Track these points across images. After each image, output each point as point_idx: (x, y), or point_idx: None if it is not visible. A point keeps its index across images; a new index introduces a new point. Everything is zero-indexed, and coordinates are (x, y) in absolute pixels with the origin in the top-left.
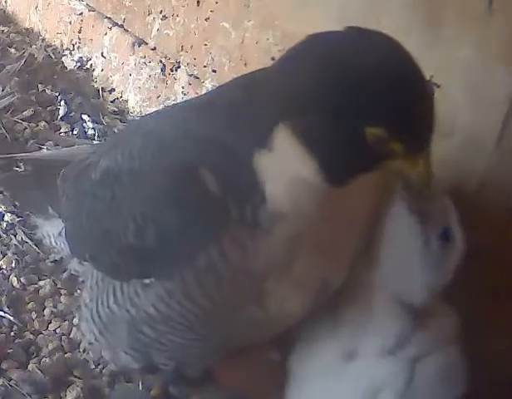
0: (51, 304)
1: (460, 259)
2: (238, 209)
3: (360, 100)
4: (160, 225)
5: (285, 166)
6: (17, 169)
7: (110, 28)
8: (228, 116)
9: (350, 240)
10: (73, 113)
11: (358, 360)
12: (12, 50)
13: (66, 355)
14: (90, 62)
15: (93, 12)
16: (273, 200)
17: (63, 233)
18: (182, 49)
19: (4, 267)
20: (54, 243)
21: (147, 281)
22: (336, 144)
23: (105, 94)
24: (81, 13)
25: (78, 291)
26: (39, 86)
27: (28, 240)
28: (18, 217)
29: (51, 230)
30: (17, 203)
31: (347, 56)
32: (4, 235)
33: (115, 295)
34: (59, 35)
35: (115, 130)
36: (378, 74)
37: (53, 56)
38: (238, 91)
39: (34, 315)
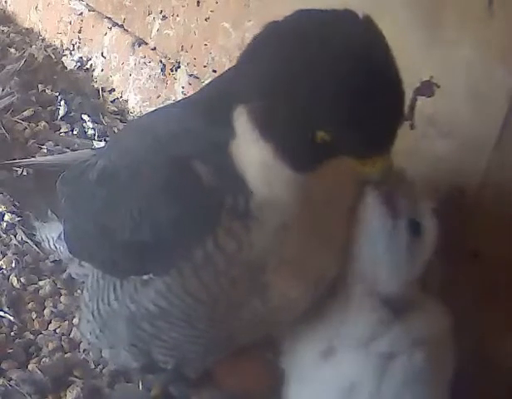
0: (51, 304)
1: (430, 252)
2: (232, 200)
3: (312, 102)
4: (156, 219)
5: (250, 151)
6: (16, 169)
7: (110, 28)
8: (211, 108)
9: (339, 228)
10: (73, 113)
11: (336, 355)
12: (12, 50)
13: (66, 355)
14: (90, 62)
15: (93, 12)
16: (254, 188)
17: (62, 237)
18: (182, 49)
19: (4, 267)
20: (53, 247)
21: (146, 277)
22: (287, 133)
23: (105, 94)
24: (81, 13)
25: (78, 291)
26: (39, 86)
27: (28, 240)
28: (18, 217)
29: (51, 234)
30: (17, 203)
31: (305, 48)
32: (4, 235)
33: (115, 292)
34: (59, 35)
35: (115, 130)
36: (338, 77)
37: (53, 56)
38: (222, 84)
39: (34, 315)
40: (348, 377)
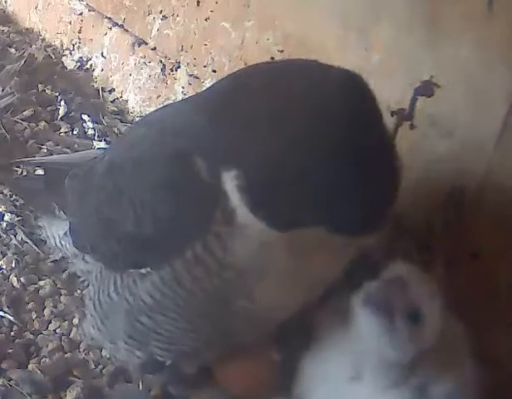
0: (51, 304)
1: (437, 330)
2: (226, 202)
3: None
4: (156, 212)
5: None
6: (17, 169)
7: (110, 28)
8: (216, 112)
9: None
10: (73, 113)
11: (364, 383)
12: (12, 50)
13: (66, 355)
14: (90, 62)
15: (93, 12)
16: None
17: (69, 233)
18: (182, 49)
19: (4, 267)
20: (59, 244)
21: (144, 271)
22: (273, 208)
23: (105, 94)
24: (81, 13)
25: (78, 291)
26: (39, 86)
27: (28, 240)
28: (18, 217)
29: (57, 231)
30: (17, 203)
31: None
32: (4, 235)
33: (115, 284)
34: (59, 35)
35: (115, 130)
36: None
37: (53, 56)
38: (230, 90)
39: (34, 315)
40: None
